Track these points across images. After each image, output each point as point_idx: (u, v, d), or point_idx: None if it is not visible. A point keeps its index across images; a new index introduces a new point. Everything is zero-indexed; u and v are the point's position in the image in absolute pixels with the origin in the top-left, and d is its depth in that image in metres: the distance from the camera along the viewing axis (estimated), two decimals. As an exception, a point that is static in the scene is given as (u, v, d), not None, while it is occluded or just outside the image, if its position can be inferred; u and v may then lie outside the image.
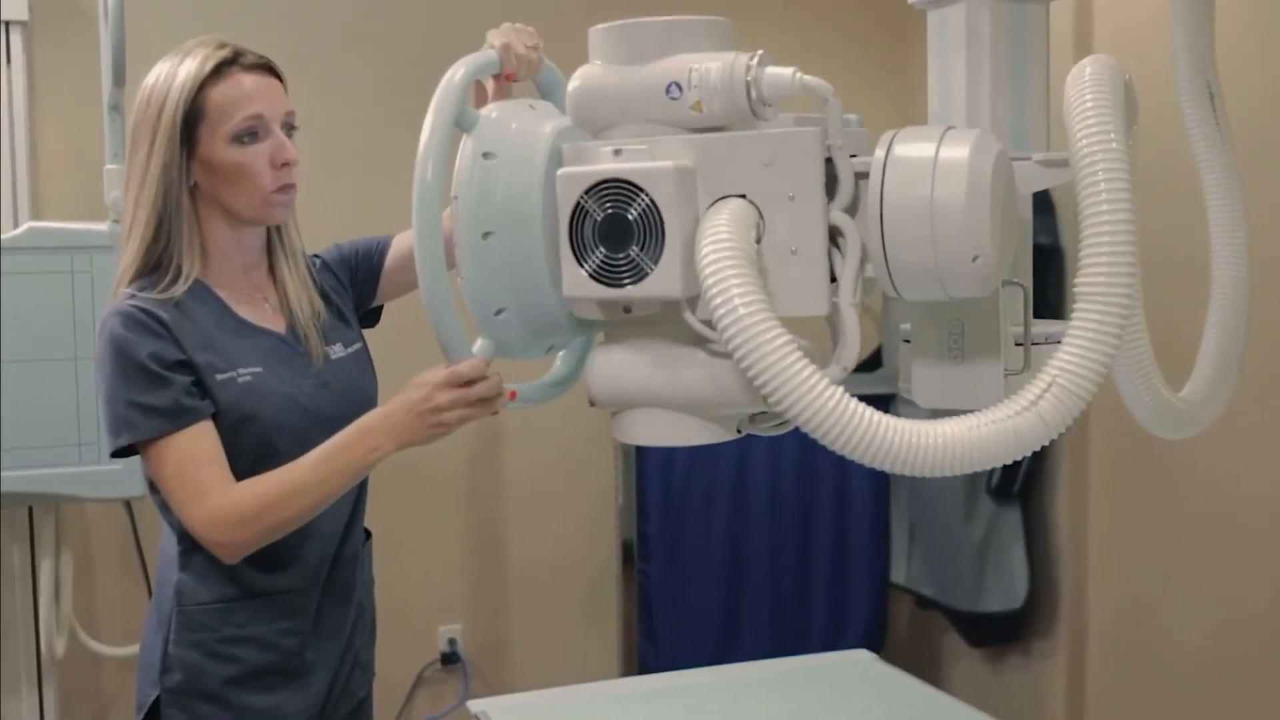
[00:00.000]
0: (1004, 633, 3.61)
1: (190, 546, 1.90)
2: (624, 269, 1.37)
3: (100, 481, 2.96)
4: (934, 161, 1.34)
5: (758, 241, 1.36)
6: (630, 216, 1.36)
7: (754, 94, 1.37)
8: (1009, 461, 1.29)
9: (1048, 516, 3.52)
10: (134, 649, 2.31)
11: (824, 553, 3.89)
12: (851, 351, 1.37)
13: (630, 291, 1.37)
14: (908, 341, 1.55)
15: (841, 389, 1.26)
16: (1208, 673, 3.01)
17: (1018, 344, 1.49)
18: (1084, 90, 1.35)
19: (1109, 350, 1.27)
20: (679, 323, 1.39)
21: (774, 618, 3.87)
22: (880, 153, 1.36)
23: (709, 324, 1.33)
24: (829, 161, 1.38)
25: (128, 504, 3.28)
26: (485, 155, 1.47)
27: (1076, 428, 2.93)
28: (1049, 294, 3.27)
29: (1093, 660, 3.38)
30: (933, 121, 1.54)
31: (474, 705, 2.33)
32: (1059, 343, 1.48)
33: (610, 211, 1.37)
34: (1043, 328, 1.51)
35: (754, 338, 1.26)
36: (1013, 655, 3.67)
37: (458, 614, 3.87)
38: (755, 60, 1.37)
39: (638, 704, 2.47)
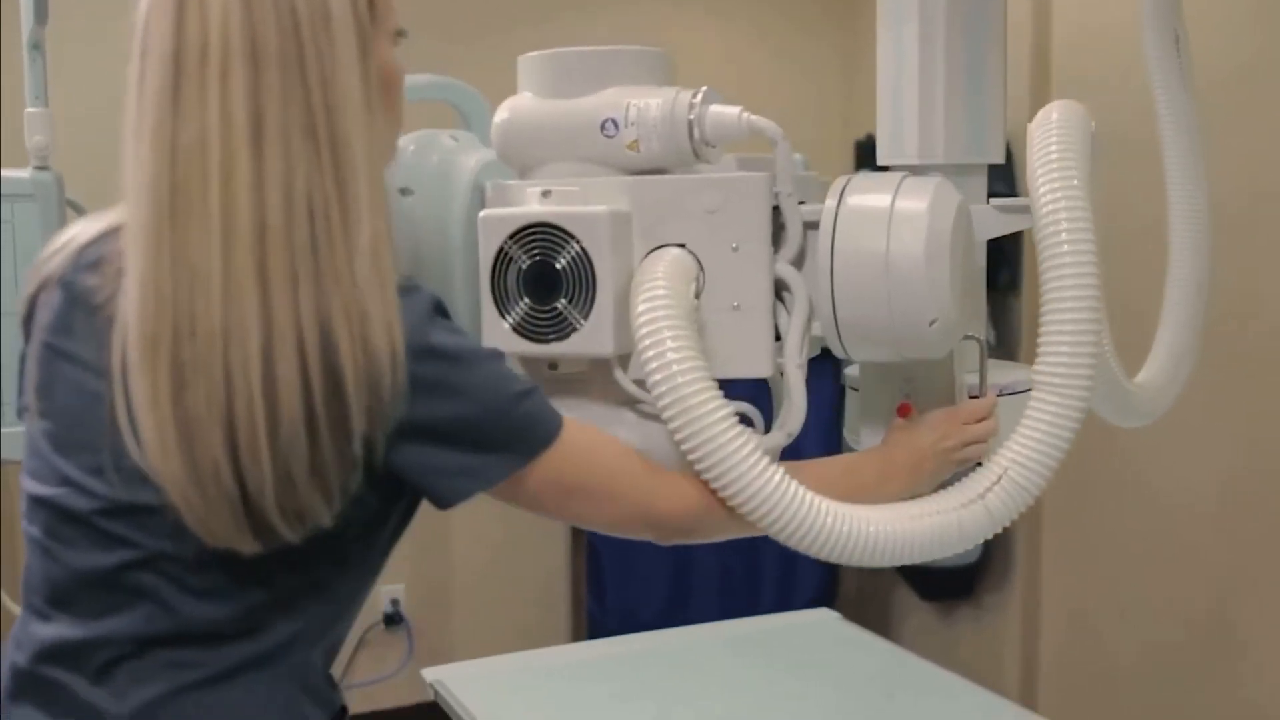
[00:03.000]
0: (957, 587, 3.57)
1: None
2: (550, 323, 1.25)
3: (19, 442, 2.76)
4: (890, 213, 1.23)
5: (697, 296, 1.25)
6: (558, 265, 1.24)
7: (696, 134, 1.25)
8: (951, 554, 1.22)
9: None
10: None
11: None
12: (797, 417, 1.27)
13: (556, 348, 1.25)
14: (855, 389, 1.45)
15: (781, 471, 1.15)
16: (1163, 622, 2.97)
17: (972, 396, 1.39)
18: (1049, 142, 1.26)
19: (1064, 444, 1.21)
20: (609, 381, 1.27)
21: (724, 576, 3.79)
22: (832, 201, 1.26)
23: (641, 384, 1.22)
24: (776, 210, 1.27)
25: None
26: (402, 191, 1.35)
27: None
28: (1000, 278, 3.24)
29: (1047, 612, 3.33)
30: (881, 121, 1.43)
31: (428, 674, 2.22)
32: (1017, 393, 1.40)
33: (537, 259, 1.25)
34: (999, 375, 1.41)
35: (690, 408, 1.15)
36: (964, 608, 3.64)
37: (400, 574, 3.75)
38: (699, 97, 1.26)
39: (601, 670, 2.35)
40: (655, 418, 1.20)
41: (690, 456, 1.16)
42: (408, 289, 1.11)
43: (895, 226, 1.22)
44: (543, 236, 1.25)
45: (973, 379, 1.37)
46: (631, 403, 1.28)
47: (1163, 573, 2.97)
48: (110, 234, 1.15)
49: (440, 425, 1.10)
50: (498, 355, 1.19)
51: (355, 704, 4.03)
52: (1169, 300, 1.59)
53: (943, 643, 3.70)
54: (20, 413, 1.24)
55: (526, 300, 1.26)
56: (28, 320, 1.23)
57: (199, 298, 1.05)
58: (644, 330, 1.18)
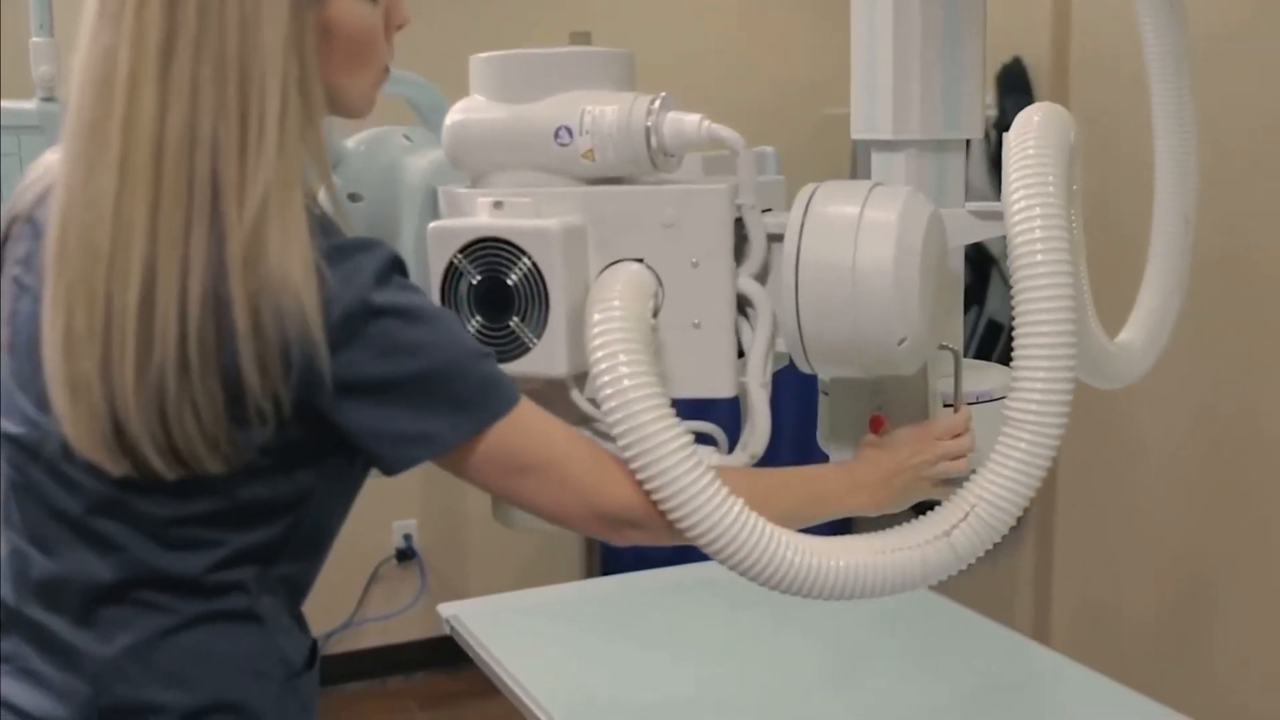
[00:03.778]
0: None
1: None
2: (502, 342, 1.20)
3: None
4: (858, 224, 1.17)
5: (655, 314, 1.20)
6: (510, 281, 1.19)
7: (654, 142, 1.19)
8: (911, 590, 1.18)
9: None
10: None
11: (789, 446, 3.77)
12: (761, 438, 1.22)
13: (509, 368, 1.19)
14: (826, 394, 1.39)
15: (741, 503, 1.11)
16: (1178, 564, 2.95)
17: (946, 404, 1.34)
18: (1026, 144, 1.19)
19: (1035, 482, 1.16)
20: (563, 400, 1.22)
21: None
22: (797, 212, 1.20)
23: (595, 403, 1.17)
24: (738, 221, 1.21)
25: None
26: (351, 197, 1.29)
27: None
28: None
29: (1060, 551, 3.31)
30: (855, 94, 1.37)
31: (444, 609, 2.21)
32: (993, 400, 1.35)
33: (488, 274, 1.20)
34: (975, 382, 1.35)
35: (645, 437, 1.10)
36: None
37: (412, 509, 3.75)
38: (657, 104, 1.20)
39: (616, 606, 2.31)
40: (609, 438, 1.16)
41: (645, 486, 1.12)
42: (362, 244, 1.08)
43: (863, 239, 1.17)
44: (493, 251, 1.19)
45: (947, 387, 1.32)
46: (587, 422, 1.23)
47: (1181, 516, 2.93)
48: None
49: (389, 383, 1.06)
50: (453, 316, 1.15)
51: (368, 638, 4.08)
52: (1152, 260, 1.54)
53: (955, 586, 3.69)
54: None
55: (478, 318, 1.21)
56: (3, 247, 1.22)
57: (92, 213, 1.05)
58: (599, 354, 1.13)
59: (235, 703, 1.15)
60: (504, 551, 3.84)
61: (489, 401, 1.10)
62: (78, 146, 1.08)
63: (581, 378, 1.21)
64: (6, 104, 2.76)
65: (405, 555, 3.77)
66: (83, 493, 1.12)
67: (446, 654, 2.45)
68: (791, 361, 1.27)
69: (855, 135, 1.38)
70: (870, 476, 1.25)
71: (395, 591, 3.79)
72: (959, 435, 1.28)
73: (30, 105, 2.75)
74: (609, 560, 3.77)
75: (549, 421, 1.14)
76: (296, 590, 1.21)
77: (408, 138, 1.34)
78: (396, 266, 1.09)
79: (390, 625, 3.75)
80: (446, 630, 2.20)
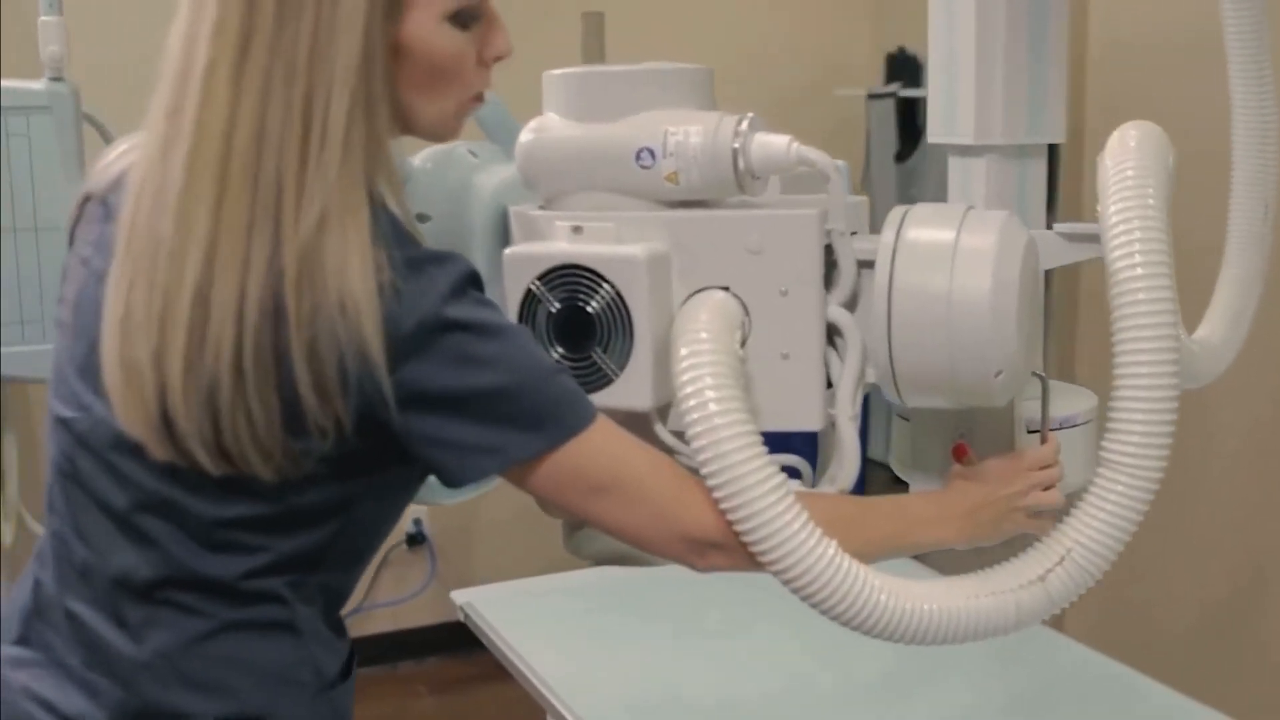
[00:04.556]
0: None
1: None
2: (584, 373, 1.15)
3: (44, 361, 2.69)
4: (953, 250, 1.13)
5: (742, 344, 1.15)
6: (591, 310, 1.15)
7: (741, 164, 1.14)
8: (1003, 635, 1.15)
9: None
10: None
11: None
12: (850, 473, 1.18)
13: (591, 400, 1.15)
14: (904, 419, 1.35)
15: (834, 546, 1.07)
16: (1234, 562, 2.90)
17: (1030, 430, 1.30)
18: (1125, 176, 1.14)
19: (1132, 527, 1.13)
20: (646, 434, 1.18)
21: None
22: (888, 237, 1.15)
23: (681, 435, 1.13)
24: (827, 247, 1.16)
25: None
26: (419, 217, 1.24)
27: (1066, 318, 2.81)
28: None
29: None
30: (932, 94, 1.32)
31: (458, 596, 2.19)
32: (1076, 426, 1.31)
33: (568, 303, 1.15)
34: (1057, 407, 1.31)
35: (738, 477, 1.06)
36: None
37: None
38: (744, 124, 1.15)
39: (630, 593, 2.26)
40: (695, 472, 1.12)
41: (736, 527, 1.07)
42: (438, 257, 1.05)
43: (959, 267, 1.12)
44: (574, 279, 1.15)
45: (1030, 411, 1.28)
46: (669, 455, 1.19)
47: (1235, 520, 2.88)
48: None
49: (459, 395, 1.03)
50: (528, 332, 1.12)
51: (378, 623, 4.04)
52: (1230, 249, 1.49)
53: (966, 560, 3.67)
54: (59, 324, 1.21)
55: (558, 348, 1.16)
56: (72, 229, 1.21)
57: (159, 203, 1.04)
58: (687, 389, 1.08)
59: (264, 714, 1.12)
60: (514, 537, 3.79)
61: (564, 417, 1.06)
62: (156, 132, 1.07)
63: (664, 410, 1.17)
64: (14, 84, 2.71)
65: (415, 540, 3.73)
66: (130, 486, 1.10)
67: (457, 639, 2.44)
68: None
69: (932, 139, 1.33)
70: (959, 508, 1.20)
71: (405, 576, 3.75)
72: (1048, 466, 1.24)
73: (38, 85, 2.70)
74: (622, 548, 3.76)
75: (628, 441, 1.10)
76: (335, 598, 1.18)
77: (473, 153, 1.29)
78: (472, 280, 1.06)
79: (401, 610, 3.72)
80: (457, 615, 2.18)
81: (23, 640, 1.17)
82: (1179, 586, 3.07)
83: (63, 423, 1.15)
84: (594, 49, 3.05)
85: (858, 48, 3.80)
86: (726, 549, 1.10)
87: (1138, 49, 2.83)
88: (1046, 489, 1.22)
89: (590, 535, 1.28)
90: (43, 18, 2.74)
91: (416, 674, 3.73)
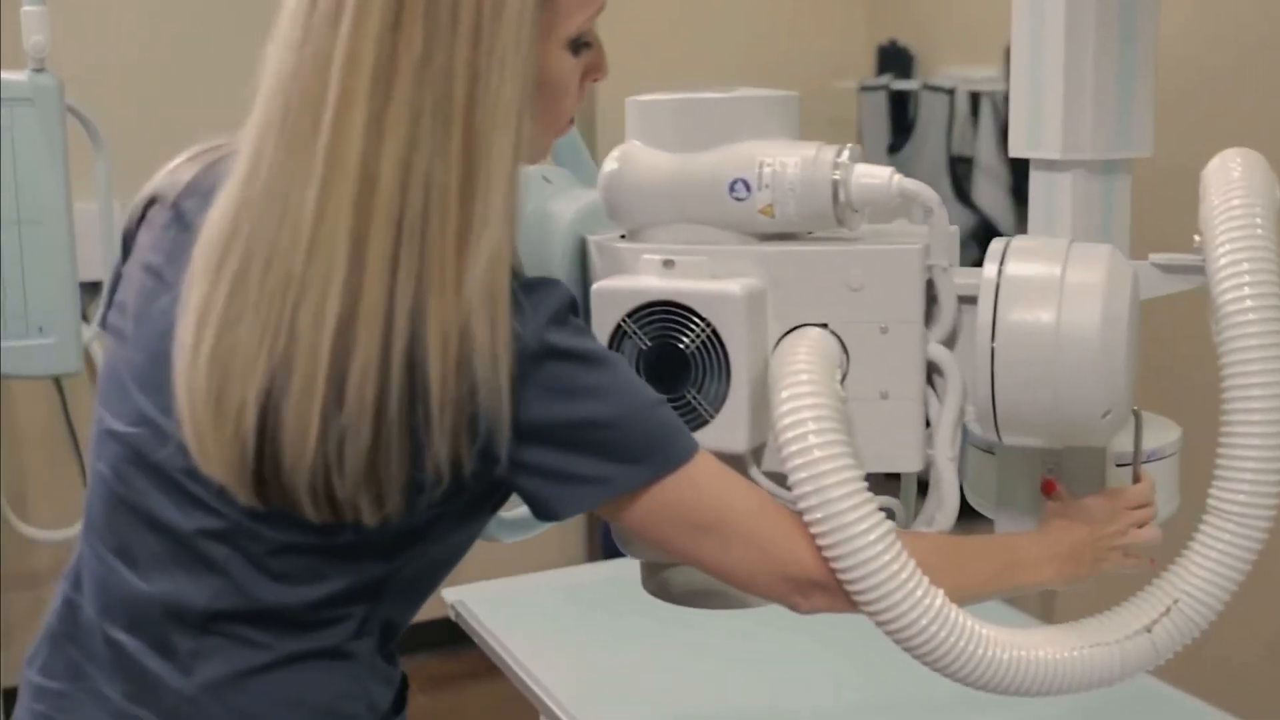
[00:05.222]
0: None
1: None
2: (677, 412, 1.11)
3: (26, 357, 2.59)
4: (1060, 285, 1.09)
5: (840, 382, 1.11)
6: (684, 348, 1.10)
7: (841, 197, 1.10)
8: (1106, 686, 1.12)
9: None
10: (69, 532, 2.01)
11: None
12: (949, 515, 1.14)
13: (684, 442, 1.11)
14: (986, 451, 1.31)
15: (941, 597, 1.03)
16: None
17: (1119, 465, 1.27)
18: (1232, 208, 1.11)
19: (1239, 576, 1.10)
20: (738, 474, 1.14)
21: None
22: (990, 271, 1.11)
23: (777, 477, 1.09)
24: (928, 283, 1.12)
25: (57, 381, 3.00)
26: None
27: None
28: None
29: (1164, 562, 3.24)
30: (1015, 106, 1.28)
31: (448, 594, 2.16)
32: (1163, 459, 1.28)
33: (660, 340, 1.11)
34: (1146, 437, 1.28)
35: (843, 525, 1.02)
36: (981, 528, 3.59)
37: None
38: (845, 155, 1.11)
39: (625, 588, 2.24)
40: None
41: (840, 576, 1.04)
42: (542, 283, 1.01)
43: (1067, 303, 1.08)
44: (667, 316, 1.10)
45: (1119, 445, 1.24)
46: (764, 497, 1.15)
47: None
48: (227, 158, 1.04)
49: (567, 427, 0.99)
50: (626, 362, 1.08)
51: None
52: None
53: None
54: (104, 323, 1.14)
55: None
56: (133, 231, 1.14)
57: (285, 233, 0.95)
58: (789, 434, 1.04)
59: None
60: (503, 535, 3.79)
61: (669, 450, 1.02)
62: (266, 139, 0.98)
63: (758, 451, 1.13)
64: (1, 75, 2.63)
65: (404, 538, 3.69)
66: (199, 510, 1.04)
67: (447, 636, 2.41)
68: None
69: (1014, 153, 1.29)
70: (1062, 548, 1.17)
71: (394, 574, 3.72)
72: (1145, 504, 1.21)
73: (21, 77, 2.63)
74: (611, 545, 3.72)
75: (731, 477, 1.06)
76: (392, 630, 1.13)
77: (546, 179, 1.23)
78: (572, 308, 1.02)
79: (388, 607, 3.68)
80: (447, 613, 2.16)
81: (47, 669, 1.11)
82: (1253, 618, 3.05)
83: (116, 436, 1.08)
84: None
85: (851, 40, 3.77)
86: (830, 590, 1.05)
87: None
88: (1143, 526, 1.20)
89: (678, 572, 1.24)
90: (26, 7, 2.67)
91: (406, 671, 3.69)
